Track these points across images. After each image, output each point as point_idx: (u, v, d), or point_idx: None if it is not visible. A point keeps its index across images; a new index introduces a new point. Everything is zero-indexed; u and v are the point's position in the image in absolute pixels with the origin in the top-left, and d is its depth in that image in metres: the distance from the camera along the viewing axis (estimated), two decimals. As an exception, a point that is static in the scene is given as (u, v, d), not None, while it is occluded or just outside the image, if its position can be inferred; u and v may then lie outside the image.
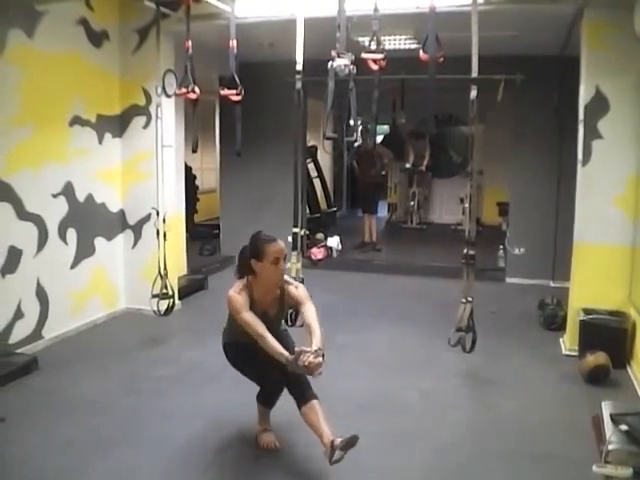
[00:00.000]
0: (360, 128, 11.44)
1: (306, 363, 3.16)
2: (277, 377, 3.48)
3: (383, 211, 11.74)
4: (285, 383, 3.52)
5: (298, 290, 3.61)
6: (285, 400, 3.57)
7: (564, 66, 6.51)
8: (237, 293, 3.46)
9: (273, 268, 3.43)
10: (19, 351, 5.02)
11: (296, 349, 3.24)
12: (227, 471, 3.48)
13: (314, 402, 3.44)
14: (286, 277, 3.65)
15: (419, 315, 6.49)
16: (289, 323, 4.11)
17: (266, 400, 3.70)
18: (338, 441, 3.20)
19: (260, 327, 3.35)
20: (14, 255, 5.00)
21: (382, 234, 11.39)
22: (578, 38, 5.30)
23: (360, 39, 5.59)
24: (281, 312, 3.69)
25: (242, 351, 3.59)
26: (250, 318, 3.39)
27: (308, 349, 3.21)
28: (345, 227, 11.24)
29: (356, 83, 4.22)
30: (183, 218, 7.45)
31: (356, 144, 9.38)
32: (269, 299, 3.57)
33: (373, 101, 4.43)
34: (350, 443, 3.21)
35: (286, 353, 3.27)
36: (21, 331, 5.12)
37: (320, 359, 3.20)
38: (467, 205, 4.92)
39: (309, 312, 3.49)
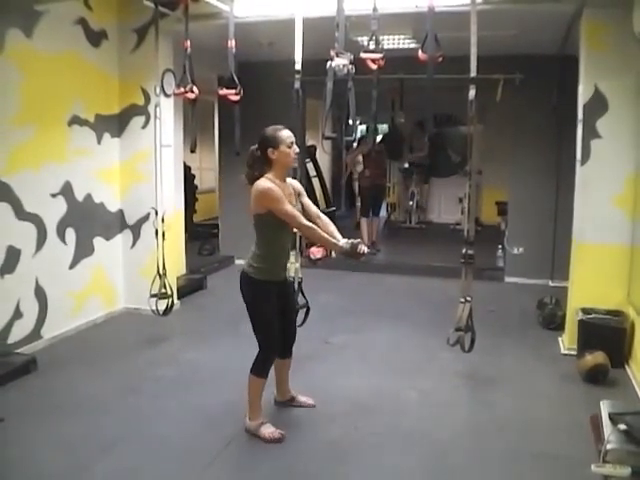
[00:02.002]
0: (365, 127, 11.49)
1: (362, 251, 3.51)
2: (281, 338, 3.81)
3: (382, 211, 11.73)
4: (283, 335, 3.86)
5: (297, 183, 3.95)
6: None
7: (563, 66, 6.51)
8: (270, 184, 3.58)
9: (289, 151, 3.65)
10: (18, 351, 5.01)
11: (352, 241, 3.55)
12: (227, 471, 3.49)
13: (290, 359, 4.05)
14: None
15: (418, 315, 6.50)
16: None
17: (266, 367, 3.78)
18: (302, 400, 4.17)
19: (303, 218, 3.61)
20: (13, 255, 5.00)
21: (381, 234, 11.40)
22: (577, 38, 5.30)
23: (359, 39, 5.60)
24: (301, 209, 3.83)
25: (271, 297, 3.74)
26: (293, 210, 3.59)
27: (357, 240, 3.55)
28: (344, 227, 11.21)
29: (355, 83, 4.22)
30: (182, 218, 7.44)
31: (362, 145, 9.42)
32: (288, 192, 3.72)
33: (372, 101, 4.44)
34: (312, 404, 4.15)
35: (338, 242, 3.60)
36: (20, 331, 5.12)
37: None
38: (466, 205, 4.91)
39: (311, 204, 3.88)
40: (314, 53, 4.62)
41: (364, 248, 3.53)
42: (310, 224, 3.60)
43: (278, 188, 3.57)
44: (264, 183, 3.57)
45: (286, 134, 3.66)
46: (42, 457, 3.53)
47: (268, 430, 3.74)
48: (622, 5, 4.60)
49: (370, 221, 9.61)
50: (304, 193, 3.90)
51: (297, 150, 3.71)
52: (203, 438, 3.78)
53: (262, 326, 3.73)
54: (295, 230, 3.93)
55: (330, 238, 3.61)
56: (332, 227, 3.77)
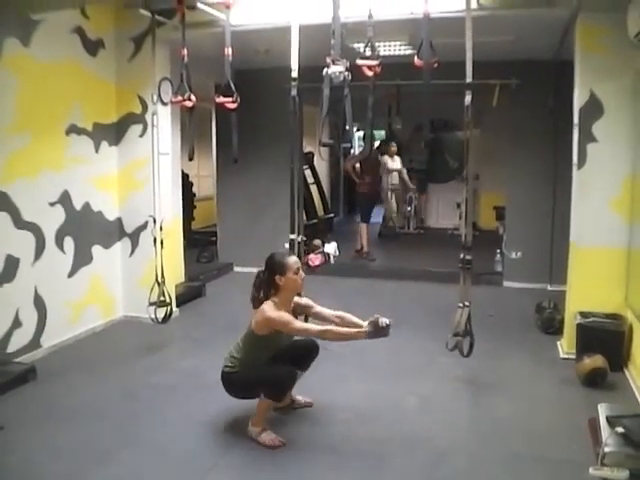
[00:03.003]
0: (362, 134, 11.50)
1: (385, 323, 3.60)
2: (288, 368, 3.78)
3: (379, 217, 11.75)
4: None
5: (305, 299, 4.04)
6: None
7: (559, 70, 6.54)
8: (277, 310, 3.72)
9: (296, 278, 3.81)
10: (17, 360, 5.01)
11: (368, 320, 3.67)
12: (226, 478, 3.48)
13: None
14: None
15: (417, 320, 6.49)
16: None
17: (281, 393, 3.82)
18: (299, 399, 4.19)
19: (315, 326, 3.77)
20: (11, 264, 5.00)
21: (379, 239, 11.41)
22: (572, 42, 5.32)
23: (355, 45, 5.61)
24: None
25: (256, 373, 3.76)
26: (303, 324, 3.83)
27: (376, 316, 3.65)
28: (342, 233, 11.25)
29: (351, 89, 4.24)
30: (180, 225, 7.44)
31: (357, 151, 9.46)
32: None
33: (368, 107, 4.45)
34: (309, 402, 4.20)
35: (360, 329, 3.70)
36: (19, 340, 5.11)
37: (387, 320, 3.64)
38: (463, 209, 4.92)
39: (322, 309, 4.00)
40: (310, 60, 4.63)
41: (385, 320, 3.62)
42: (324, 328, 3.73)
43: (283, 312, 3.72)
44: (271, 312, 3.69)
45: (293, 260, 3.84)
46: (41, 464, 3.53)
47: (269, 437, 3.75)
48: (616, 9, 4.62)
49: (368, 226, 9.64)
50: (312, 304, 4.02)
51: (303, 275, 3.87)
52: (202, 445, 3.79)
53: (263, 385, 3.79)
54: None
55: (350, 330, 3.71)
56: (350, 316, 3.90)
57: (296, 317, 3.94)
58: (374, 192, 9.94)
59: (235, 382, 3.79)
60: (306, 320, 4.28)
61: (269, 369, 3.76)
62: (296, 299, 3.96)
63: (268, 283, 3.81)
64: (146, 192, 5.96)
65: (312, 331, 3.71)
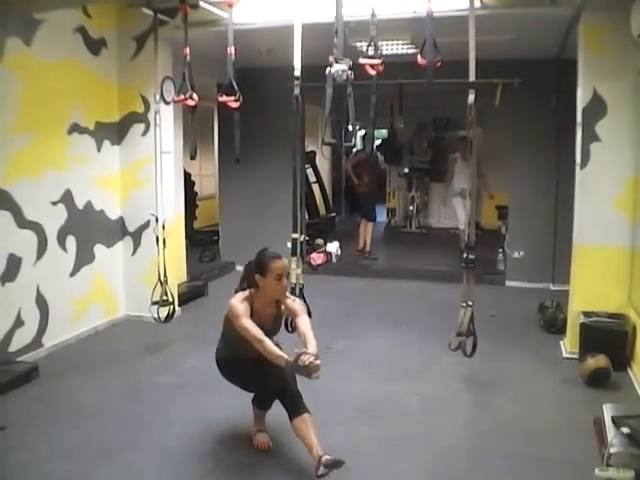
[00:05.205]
0: (362, 133, 11.46)
1: (307, 362, 3.21)
2: (279, 383, 3.53)
3: (382, 216, 11.74)
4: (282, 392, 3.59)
5: (295, 303, 3.75)
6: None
7: (562, 69, 6.53)
8: (239, 302, 3.57)
9: (275, 284, 3.58)
10: (19, 359, 5.01)
11: (296, 351, 3.30)
12: (228, 477, 3.48)
13: (306, 416, 3.49)
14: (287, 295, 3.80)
15: (419, 319, 6.49)
16: (289, 329, 4.11)
17: (263, 404, 3.78)
18: (324, 458, 3.25)
19: (259, 332, 3.46)
20: (14, 263, 5.00)
21: (381, 239, 11.40)
22: (575, 41, 5.31)
23: (358, 44, 5.61)
24: (276, 326, 3.83)
25: (240, 367, 3.68)
26: (249, 323, 3.49)
27: (308, 351, 3.29)
28: (344, 232, 11.24)
29: (354, 88, 4.23)
30: (182, 225, 7.44)
31: (354, 150, 9.43)
32: (267, 313, 3.70)
33: (371, 106, 4.44)
34: (335, 464, 3.25)
35: (285, 355, 3.36)
36: (21, 339, 5.11)
37: (319, 361, 3.26)
38: (467, 206, 4.91)
39: (304, 323, 3.60)
40: (313, 59, 4.62)
41: (310, 359, 3.21)
42: (262, 338, 3.39)
43: (244, 306, 3.54)
44: (235, 300, 3.58)
45: (277, 265, 3.56)
46: (43, 464, 3.53)
47: (261, 439, 3.74)
48: (620, 8, 4.61)
49: (365, 224, 9.64)
50: (301, 314, 3.67)
51: (285, 284, 3.66)
52: (204, 445, 3.79)
53: (248, 388, 3.78)
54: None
55: (275, 352, 3.36)
56: (311, 343, 3.40)
57: (281, 324, 3.88)
58: (374, 191, 9.94)
59: (224, 373, 3.80)
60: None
61: (256, 380, 3.64)
62: (289, 302, 3.71)
63: (250, 276, 3.64)
64: (148, 191, 5.96)
65: (250, 333, 3.43)
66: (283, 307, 3.73)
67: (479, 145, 8.97)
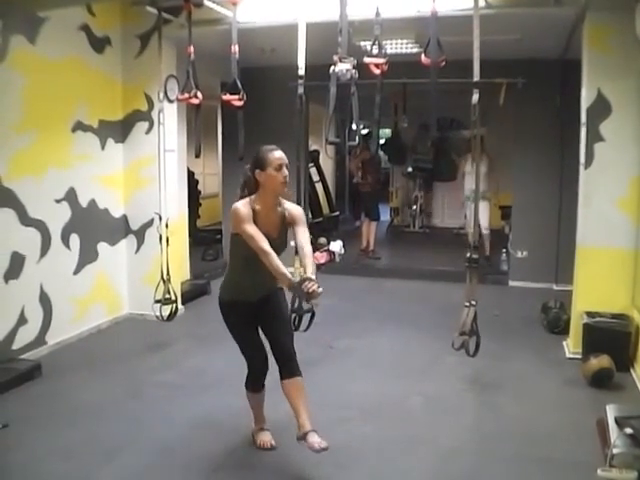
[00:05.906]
0: (366, 132, 11.43)
1: (310, 290, 3.15)
2: (263, 355, 3.56)
3: (385, 215, 11.73)
4: (273, 355, 3.57)
5: (298, 210, 3.62)
6: (283, 400, 3.54)
7: (566, 69, 6.52)
8: (242, 206, 3.43)
9: (276, 174, 3.42)
10: (22, 357, 5.01)
11: (301, 275, 3.27)
12: (231, 477, 3.48)
13: (299, 379, 3.48)
14: (286, 202, 3.63)
15: (422, 319, 6.49)
16: (293, 327, 4.10)
17: (254, 382, 3.69)
18: (311, 441, 3.30)
19: (264, 243, 3.32)
20: (17, 261, 5.01)
21: (385, 238, 11.40)
22: (580, 41, 5.30)
23: (362, 44, 5.60)
24: (282, 239, 3.61)
25: (240, 316, 3.60)
26: (254, 231, 3.35)
27: (313, 277, 3.21)
28: (347, 231, 11.25)
29: (358, 87, 4.23)
30: (186, 223, 7.45)
31: (355, 148, 9.39)
32: (271, 220, 3.51)
33: (375, 105, 4.44)
34: (317, 449, 3.28)
35: (289, 275, 3.28)
36: (24, 337, 5.12)
37: (322, 289, 3.20)
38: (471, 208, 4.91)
39: (303, 234, 3.51)
40: (317, 58, 4.62)
41: (314, 287, 3.16)
42: (267, 250, 3.29)
43: (247, 210, 3.40)
44: (237, 204, 3.45)
45: (275, 156, 3.44)
46: (45, 463, 3.53)
47: (263, 439, 3.73)
48: (624, 8, 4.60)
49: (369, 223, 9.64)
50: (301, 223, 3.57)
51: (286, 174, 3.46)
52: (207, 444, 3.78)
53: (238, 344, 3.65)
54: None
55: (282, 269, 3.26)
56: (309, 260, 3.37)
57: (288, 226, 3.61)
58: (377, 191, 9.94)
59: (226, 316, 3.66)
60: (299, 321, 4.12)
61: (249, 339, 3.61)
62: (290, 206, 3.59)
63: (250, 179, 3.50)
64: (152, 189, 5.96)
65: (255, 242, 3.30)
66: (286, 213, 3.55)
67: (491, 144, 9.05)
